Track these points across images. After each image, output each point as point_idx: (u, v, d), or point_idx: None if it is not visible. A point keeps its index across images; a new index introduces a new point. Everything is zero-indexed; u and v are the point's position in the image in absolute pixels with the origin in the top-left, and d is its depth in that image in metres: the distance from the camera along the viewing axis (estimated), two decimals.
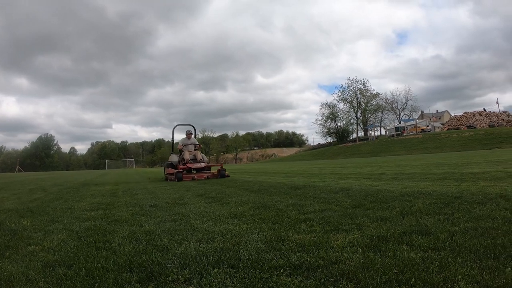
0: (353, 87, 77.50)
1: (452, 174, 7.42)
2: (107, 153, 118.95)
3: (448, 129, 61.95)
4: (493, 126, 56.66)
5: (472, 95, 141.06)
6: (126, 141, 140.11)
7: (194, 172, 11.72)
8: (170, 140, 17.44)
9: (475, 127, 57.93)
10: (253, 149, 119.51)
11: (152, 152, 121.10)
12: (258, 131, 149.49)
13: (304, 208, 3.97)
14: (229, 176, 11.68)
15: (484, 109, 68.75)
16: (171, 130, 13.99)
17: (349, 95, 77.62)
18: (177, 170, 11.04)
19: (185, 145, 12.35)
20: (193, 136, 13.07)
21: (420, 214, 3.22)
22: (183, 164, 11.57)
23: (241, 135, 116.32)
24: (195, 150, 12.55)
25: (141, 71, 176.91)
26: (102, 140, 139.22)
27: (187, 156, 11.88)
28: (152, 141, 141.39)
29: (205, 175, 11.39)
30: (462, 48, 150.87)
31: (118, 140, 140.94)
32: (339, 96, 78.52)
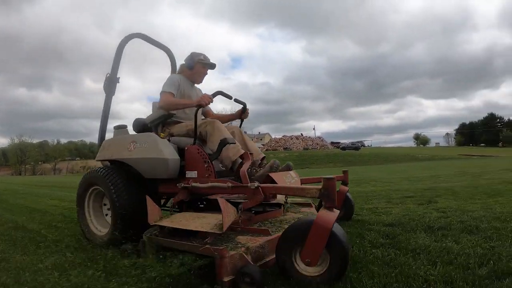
0: None
1: None
2: None
3: (267, 150, 68.50)
4: (307, 149, 65.34)
5: (294, 121, 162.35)
6: None
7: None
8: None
9: (291, 149, 65.56)
10: (74, 160, 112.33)
11: None
12: (81, 140, 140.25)
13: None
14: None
15: (301, 133, 79.10)
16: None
17: (143, 118, 79.82)
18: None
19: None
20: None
21: None
22: (251, 175, 3.03)
23: (62, 143, 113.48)
24: (204, 116, 4.23)
25: None
26: None
27: (225, 134, 3.31)
28: None
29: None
30: (290, 79, 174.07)
31: None
32: None
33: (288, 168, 3.32)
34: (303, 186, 2.55)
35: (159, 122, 3.63)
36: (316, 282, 2.18)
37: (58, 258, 3.03)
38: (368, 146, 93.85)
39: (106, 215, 3.74)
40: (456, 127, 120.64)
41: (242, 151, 3.24)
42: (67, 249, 3.36)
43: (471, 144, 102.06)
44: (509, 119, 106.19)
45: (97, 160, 3.96)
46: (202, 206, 3.66)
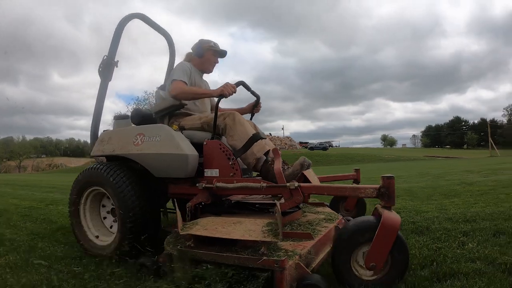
0: (149, 101, 79.05)
1: None
2: None
3: None
4: None
5: (263, 120, 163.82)
6: None
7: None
8: None
9: None
10: (40, 157, 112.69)
11: None
12: (48, 137, 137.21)
13: None
14: None
15: (270, 133, 79.49)
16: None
17: (144, 108, 78.92)
18: None
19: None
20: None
21: None
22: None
23: (28, 140, 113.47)
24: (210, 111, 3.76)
25: None
26: None
27: (248, 127, 3.02)
28: None
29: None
30: (260, 78, 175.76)
31: None
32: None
33: (308, 166, 2.95)
34: (356, 185, 2.47)
35: (167, 113, 3.27)
36: (374, 286, 2.09)
37: (13, 256, 3.07)
38: (336, 146, 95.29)
39: (105, 218, 3.31)
40: (423, 129, 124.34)
41: (268, 147, 2.98)
42: (22, 248, 3.35)
43: (436, 146, 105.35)
44: (473, 123, 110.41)
45: (92, 156, 3.45)
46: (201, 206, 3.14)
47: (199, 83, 3.53)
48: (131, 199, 2.84)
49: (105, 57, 3.58)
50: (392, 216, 2.10)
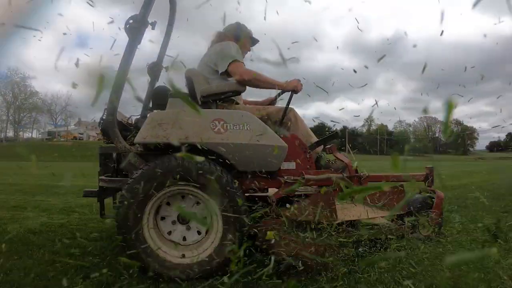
0: (12, 80, 70.28)
1: None
2: None
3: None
4: None
5: (133, 112, 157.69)
6: None
7: None
8: None
9: None
10: None
11: None
12: None
13: None
14: None
15: None
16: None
17: (4, 87, 69.76)
18: None
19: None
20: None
21: None
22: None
23: None
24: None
25: None
26: None
27: (306, 124, 3.25)
28: None
29: None
30: (133, 67, 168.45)
31: None
32: None
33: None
34: (410, 173, 3.34)
35: (221, 98, 2.87)
36: (428, 239, 3.08)
37: None
38: None
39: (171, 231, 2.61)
40: None
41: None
42: None
43: None
44: (335, 129, 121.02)
45: (141, 143, 2.62)
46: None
47: None
48: (239, 197, 2.45)
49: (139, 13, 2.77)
50: (440, 192, 3.25)
